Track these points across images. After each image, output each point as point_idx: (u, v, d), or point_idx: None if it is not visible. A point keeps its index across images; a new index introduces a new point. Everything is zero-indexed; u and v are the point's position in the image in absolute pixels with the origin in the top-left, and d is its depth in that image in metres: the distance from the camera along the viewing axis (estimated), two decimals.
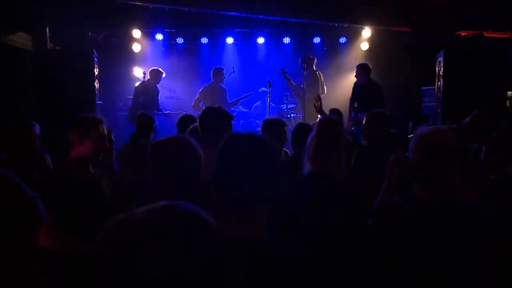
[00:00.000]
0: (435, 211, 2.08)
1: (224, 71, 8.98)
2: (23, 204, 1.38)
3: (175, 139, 2.21)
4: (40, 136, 3.33)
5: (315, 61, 9.04)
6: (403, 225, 2.12)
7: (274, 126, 4.04)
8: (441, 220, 2.06)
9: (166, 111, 8.64)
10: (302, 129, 3.95)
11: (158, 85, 8.69)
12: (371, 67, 7.92)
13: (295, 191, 2.62)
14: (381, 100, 7.58)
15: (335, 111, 5.60)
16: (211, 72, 8.85)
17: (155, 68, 8.66)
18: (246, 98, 9.39)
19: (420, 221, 2.09)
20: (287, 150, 4.87)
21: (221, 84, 8.92)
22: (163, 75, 8.62)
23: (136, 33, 9.62)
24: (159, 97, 8.76)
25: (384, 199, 2.27)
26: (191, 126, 3.62)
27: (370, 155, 4.08)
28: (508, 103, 8.10)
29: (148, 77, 8.53)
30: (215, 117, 3.10)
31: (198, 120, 3.18)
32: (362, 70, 7.82)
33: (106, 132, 3.02)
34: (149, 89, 8.40)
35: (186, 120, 4.75)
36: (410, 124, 5.26)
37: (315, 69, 8.85)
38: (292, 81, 8.68)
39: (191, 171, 2.06)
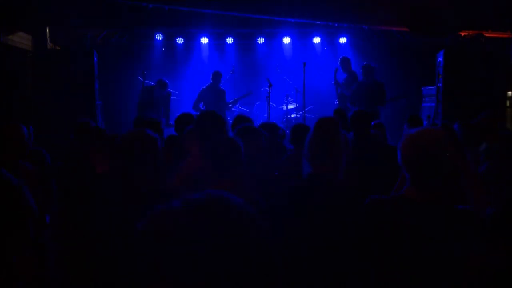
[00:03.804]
0: (422, 212, 2.07)
1: (222, 78, 8.96)
2: (10, 193, 1.37)
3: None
4: (28, 139, 3.32)
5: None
6: (390, 223, 2.11)
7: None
8: (428, 222, 2.05)
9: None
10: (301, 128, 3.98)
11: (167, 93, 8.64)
12: (374, 66, 7.97)
13: (295, 193, 2.62)
14: (383, 97, 7.67)
15: (338, 112, 5.59)
16: (212, 74, 8.84)
17: (162, 79, 8.60)
18: (246, 98, 9.39)
19: (406, 221, 2.08)
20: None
21: (220, 85, 8.92)
22: (167, 85, 8.57)
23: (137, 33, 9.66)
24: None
25: (374, 196, 2.26)
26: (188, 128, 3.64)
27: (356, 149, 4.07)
28: (508, 103, 8.11)
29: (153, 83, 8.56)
30: (210, 122, 3.14)
31: (194, 124, 3.21)
32: (366, 70, 7.91)
33: None
34: (154, 95, 8.37)
35: (184, 119, 4.75)
36: (405, 125, 5.25)
37: (353, 70, 8.75)
38: (339, 82, 8.53)
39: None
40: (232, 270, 0.86)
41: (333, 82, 8.54)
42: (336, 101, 8.75)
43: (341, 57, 8.73)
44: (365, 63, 8.09)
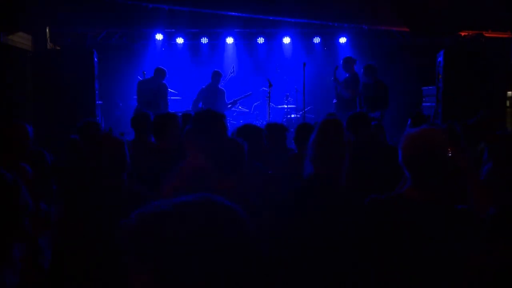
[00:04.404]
0: (422, 212, 2.07)
1: (222, 78, 8.95)
2: (4, 191, 1.36)
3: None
4: (32, 139, 3.32)
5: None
6: (390, 223, 2.11)
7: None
8: (428, 222, 2.05)
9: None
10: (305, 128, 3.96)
11: (163, 83, 8.59)
12: (376, 67, 7.93)
13: (296, 194, 2.62)
14: (386, 99, 7.64)
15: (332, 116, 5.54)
16: (212, 73, 8.83)
17: (159, 67, 8.55)
18: (245, 98, 9.39)
19: (406, 220, 2.08)
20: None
21: (219, 85, 8.91)
22: (165, 73, 8.52)
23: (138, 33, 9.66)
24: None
25: (374, 195, 2.26)
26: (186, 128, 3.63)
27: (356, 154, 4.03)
28: (508, 103, 8.11)
29: (151, 74, 8.49)
30: (207, 120, 3.11)
31: (192, 123, 3.18)
32: (368, 70, 7.87)
33: None
34: (151, 87, 8.34)
35: (184, 119, 4.75)
36: (409, 121, 5.21)
37: (355, 71, 8.67)
38: (338, 80, 8.40)
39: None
40: (220, 271, 0.86)
41: (332, 79, 8.44)
42: (335, 101, 8.71)
43: (345, 56, 8.63)
44: (367, 63, 8.06)
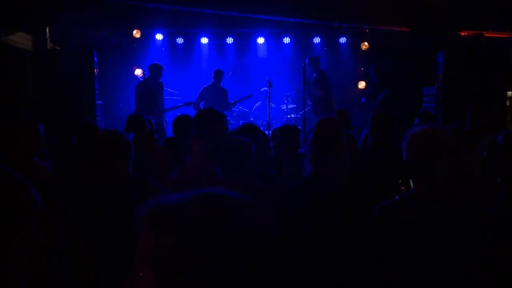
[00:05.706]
0: (431, 212, 2.08)
1: (224, 76, 8.93)
2: (13, 190, 1.35)
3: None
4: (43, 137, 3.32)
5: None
6: (402, 225, 2.11)
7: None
8: (431, 222, 2.06)
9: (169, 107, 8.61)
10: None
11: (160, 82, 8.53)
12: (382, 67, 8.05)
13: (294, 193, 2.62)
14: (393, 95, 7.79)
15: (340, 113, 5.55)
16: (214, 72, 8.81)
17: (154, 63, 8.43)
18: (246, 99, 9.38)
19: (413, 221, 2.09)
20: None
21: (221, 84, 8.90)
22: (163, 69, 8.35)
23: (136, 33, 9.63)
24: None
25: (383, 202, 2.25)
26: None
27: (375, 158, 3.98)
28: (508, 103, 8.10)
29: (148, 74, 8.44)
30: (208, 119, 3.12)
31: (194, 123, 3.19)
32: (376, 71, 7.98)
33: None
34: (150, 87, 8.31)
35: (182, 121, 4.74)
36: (417, 121, 5.21)
37: (321, 69, 8.68)
38: (308, 81, 8.43)
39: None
40: (233, 267, 0.86)
41: (302, 81, 8.41)
42: (309, 102, 8.69)
43: (309, 56, 8.62)
44: (374, 64, 8.14)
